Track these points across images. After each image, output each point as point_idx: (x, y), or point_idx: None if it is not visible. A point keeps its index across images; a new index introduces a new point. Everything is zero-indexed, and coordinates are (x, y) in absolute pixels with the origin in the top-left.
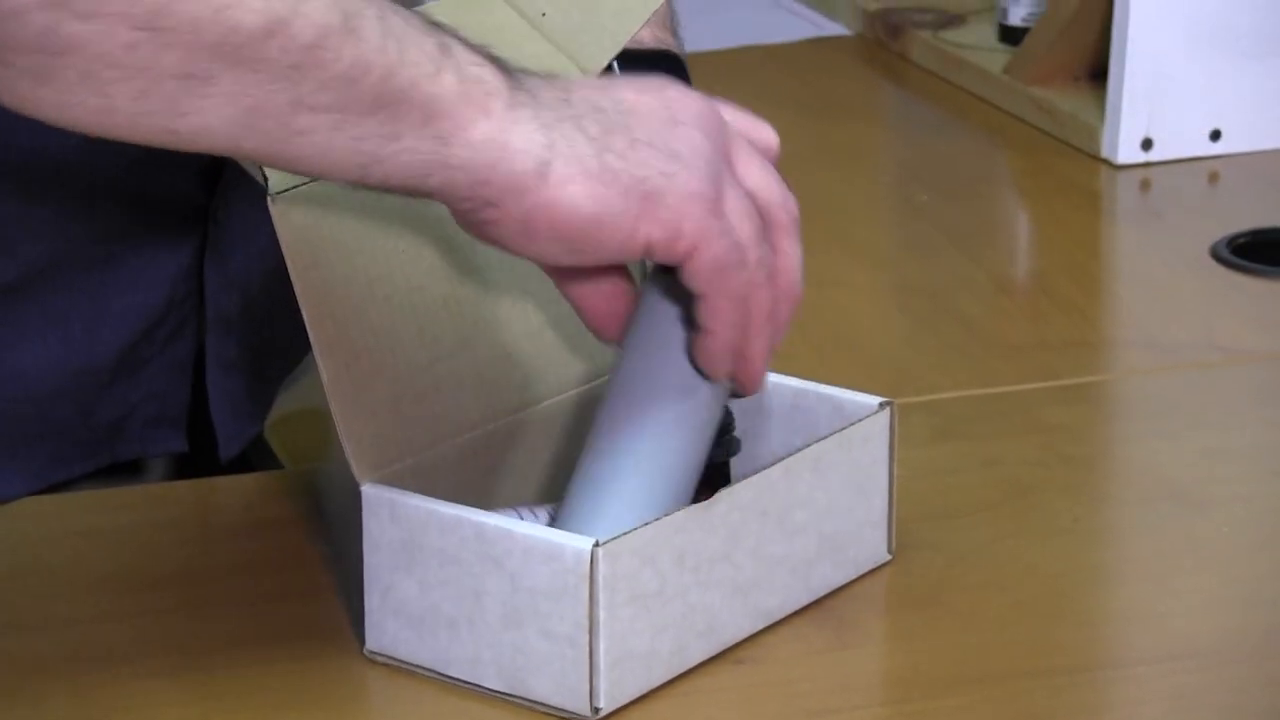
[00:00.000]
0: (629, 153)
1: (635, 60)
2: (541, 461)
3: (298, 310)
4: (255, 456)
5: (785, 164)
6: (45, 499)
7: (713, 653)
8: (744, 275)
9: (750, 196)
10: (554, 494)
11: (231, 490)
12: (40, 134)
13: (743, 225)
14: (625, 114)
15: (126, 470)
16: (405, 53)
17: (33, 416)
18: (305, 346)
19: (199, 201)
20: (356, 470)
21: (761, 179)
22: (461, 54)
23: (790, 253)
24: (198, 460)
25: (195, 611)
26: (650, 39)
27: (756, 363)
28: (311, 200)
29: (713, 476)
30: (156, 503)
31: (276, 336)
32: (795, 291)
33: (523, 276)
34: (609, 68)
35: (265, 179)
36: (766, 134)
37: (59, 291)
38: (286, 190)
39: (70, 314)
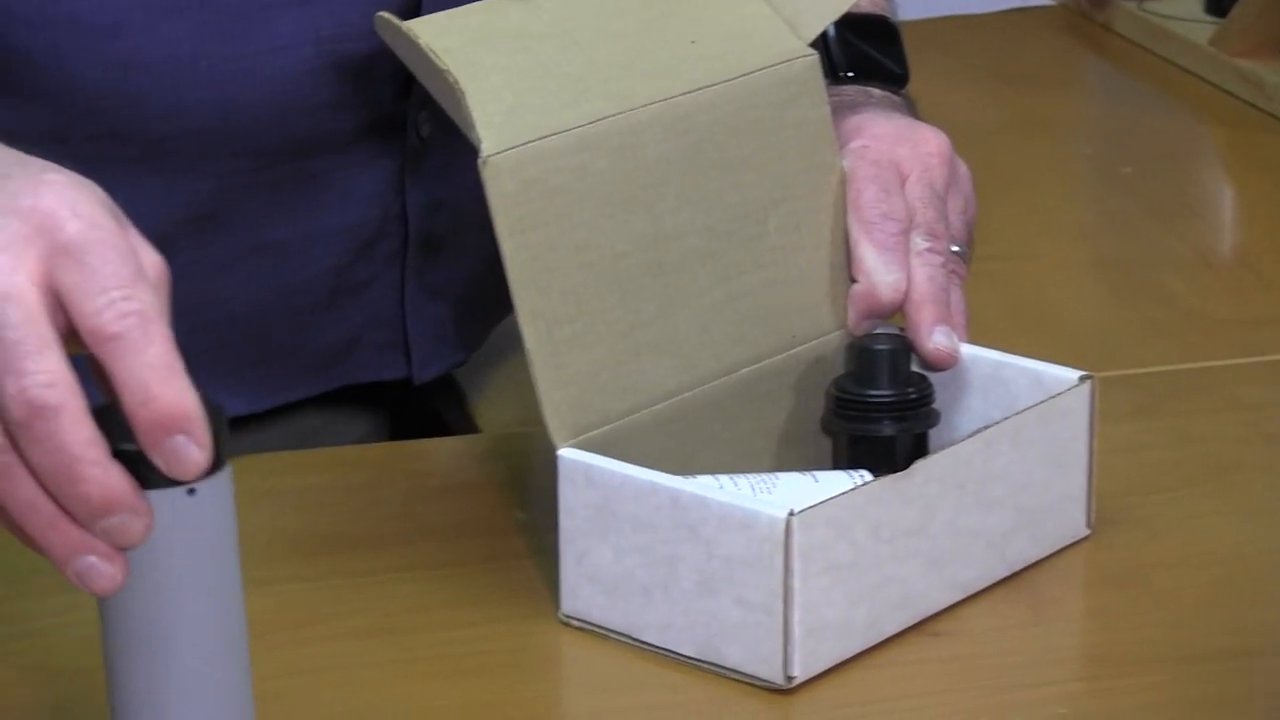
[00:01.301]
0: None
1: (852, 25)
2: (738, 430)
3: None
4: (450, 414)
5: (987, 136)
6: (240, 460)
7: (908, 624)
8: None
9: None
10: (751, 463)
11: (427, 454)
12: (233, 43)
13: None
14: None
15: (351, 397)
16: None
17: (249, 340)
18: (510, 305)
19: (398, 114)
20: (554, 435)
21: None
22: None
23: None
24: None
25: (390, 575)
26: (867, 3)
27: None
28: (522, 165)
29: (910, 448)
30: (353, 465)
31: (489, 274)
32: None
33: (721, 245)
34: (824, 34)
35: (478, 139)
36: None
37: (262, 212)
38: (499, 153)
39: (277, 236)
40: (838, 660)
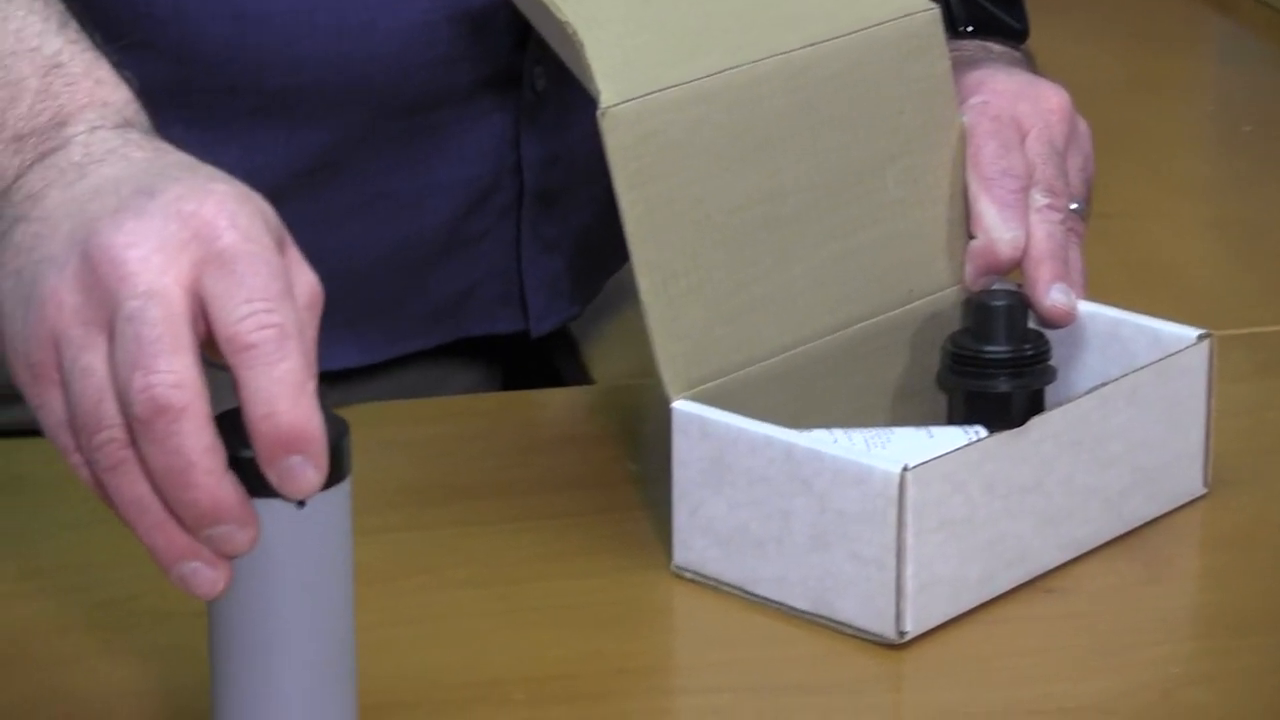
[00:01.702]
0: None
1: None
2: (852, 386)
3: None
4: (563, 365)
5: (1107, 92)
6: (353, 409)
7: (1021, 581)
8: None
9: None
10: (865, 419)
11: (541, 405)
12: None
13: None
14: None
15: (464, 349)
16: None
17: (363, 292)
18: (625, 256)
19: (514, 67)
20: (668, 387)
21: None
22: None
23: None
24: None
25: (504, 525)
26: None
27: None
28: (640, 117)
29: (1026, 404)
30: (466, 415)
31: (602, 227)
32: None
33: (838, 200)
34: None
35: (597, 91)
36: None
37: (378, 165)
38: (617, 105)
39: (392, 188)
40: (950, 616)
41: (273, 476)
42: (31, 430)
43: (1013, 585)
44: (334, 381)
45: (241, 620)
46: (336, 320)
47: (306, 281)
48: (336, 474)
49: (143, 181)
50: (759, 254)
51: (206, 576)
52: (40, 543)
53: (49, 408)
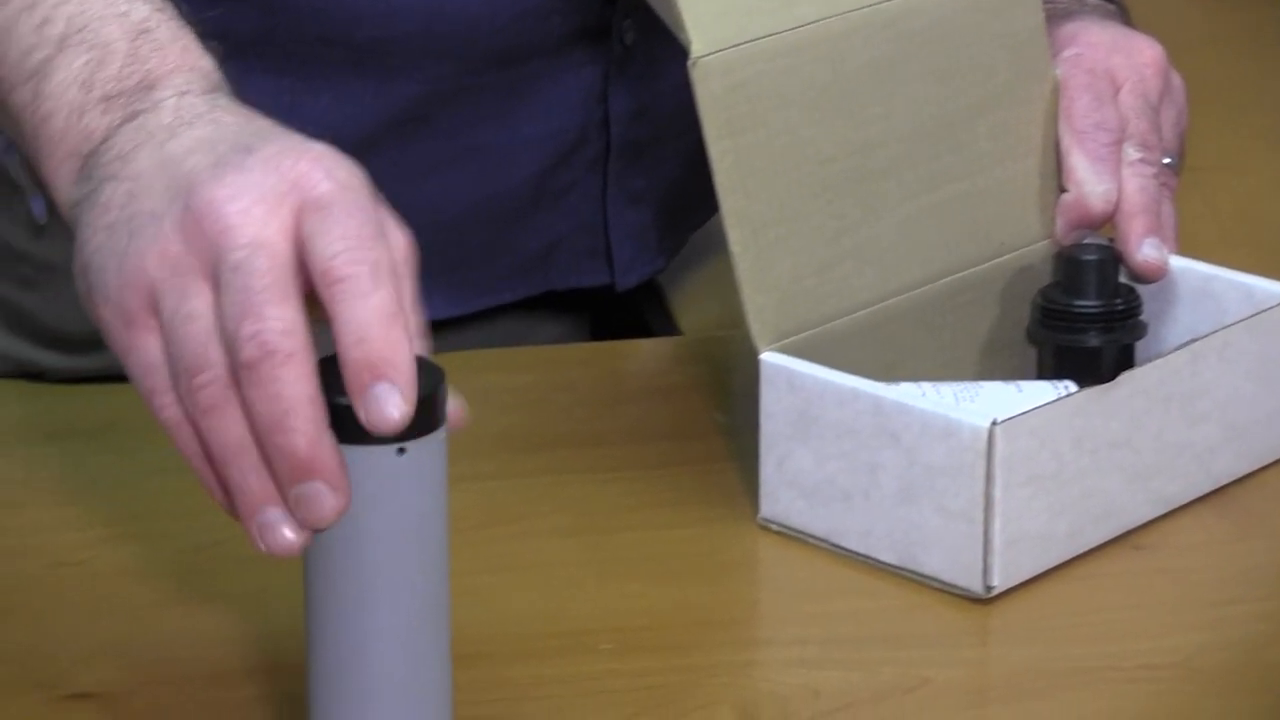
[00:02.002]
0: None
1: None
2: (941, 339)
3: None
4: (651, 316)
5: (1200, 46)
6: (444, 357)
7: (1110, 537)
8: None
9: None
10: (954, 372)
11: (629, 355)
12: None
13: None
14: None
15: (551, 301)
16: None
17: (450, 244)
18: (714, 207)
19: (604, 20)
20: (756, 339)
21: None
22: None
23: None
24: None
25: (593, 475)
26: None
27: None
28: (731, 67)
29: (1116, 359)
30: (556, 364)
31: (688, 180)
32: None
33: (929, 152)
34: None
35: (688, 40)
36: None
37: (467, 117)
38: (709, 55)
39: (481, 141)
40: (1038, 571)
41: (360, 409)
42: (118, 376)
43: (1101, 541)
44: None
45: (339, 567)
46: (424, 272)
47: (399, 240)
48: (433, 421)
49: (239, 140)
50: (849, 206)
51: (284, 534)
52: (132, 487)
53: (140, 351)
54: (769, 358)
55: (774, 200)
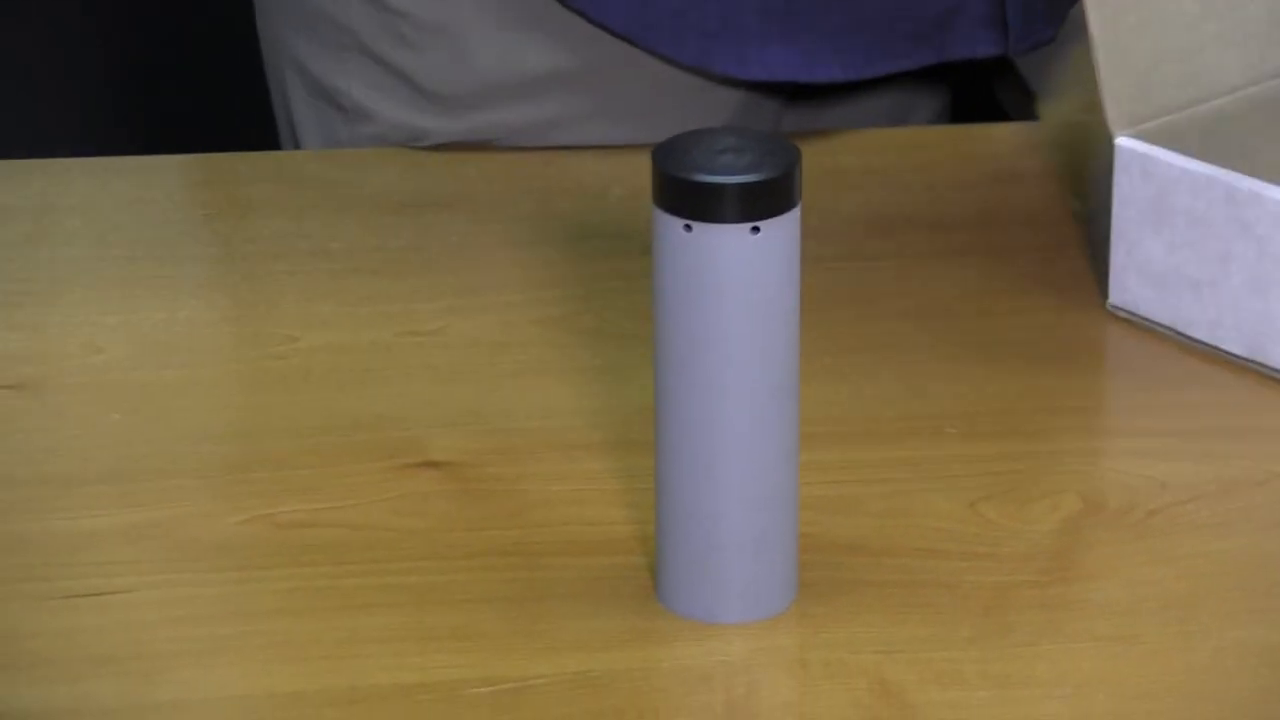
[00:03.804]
0: None
1: None
2: None
3: None
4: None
5: None
6: (806, 138)
7: None
8: None
9: None
10: None
11: (985, 138)
12: None
13: None
14: None
15: (937, 77)
16: None
17: (849, 6)
18: None
19: None
20: (1112, 123)
21: None
22: None
23: None
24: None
25: (944, 258)
26: None
27: None
28: None
29: None
30: (911, 147)
31: None
32: None
33: None
34: None
35: None
36: None
37: None
38: None
39: None
40: None
41: None
42: (494, 144)
43: None
44: (809, 98)
45: (692, 345)
46: (822, 31)
47: None
48: (787, 201)
49: None
50: None
51: None
52: (485, 258)
53: None
54: (1124, 143)
55: None
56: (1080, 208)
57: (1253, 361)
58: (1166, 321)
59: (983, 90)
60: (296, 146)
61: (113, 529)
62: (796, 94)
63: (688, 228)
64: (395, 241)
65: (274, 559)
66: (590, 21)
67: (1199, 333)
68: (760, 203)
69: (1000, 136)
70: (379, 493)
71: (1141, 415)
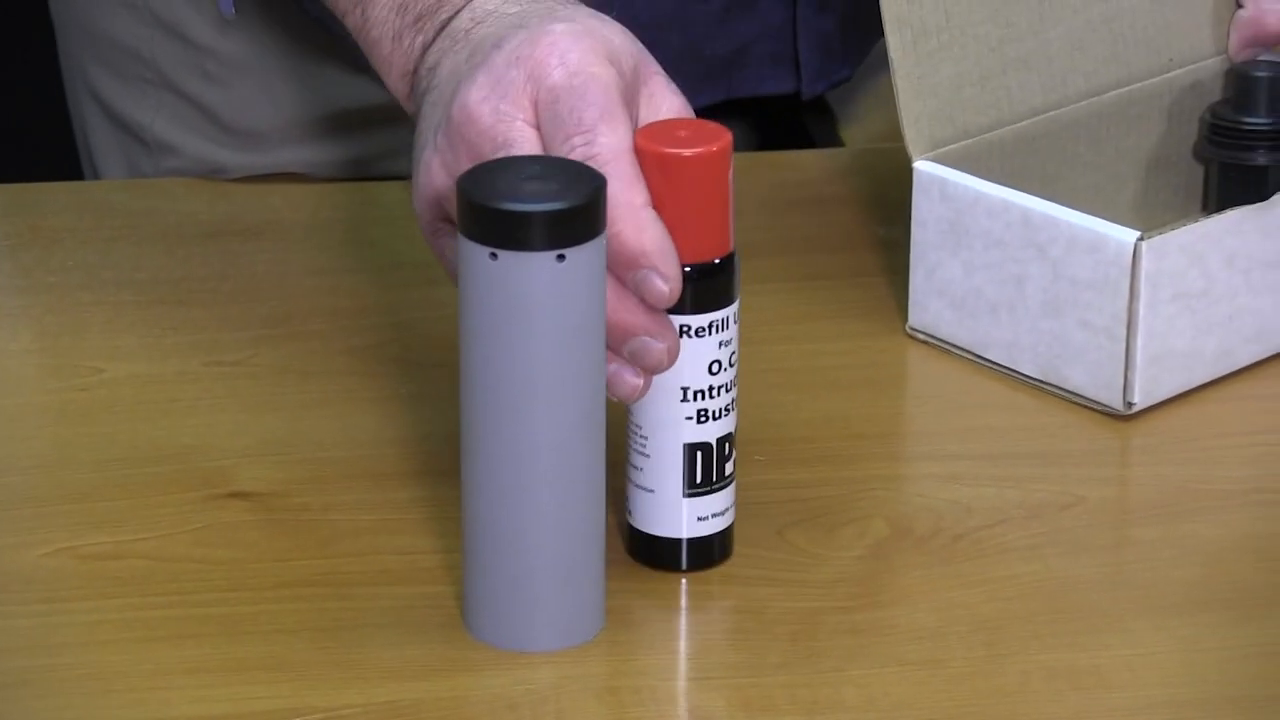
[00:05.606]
0: None
1: None
2: (1105, 153)
3: None
4: (818, 133)
5: None
6: None
7: (1261, 358)
8: None
9: None
10: (1116, 187)
11: (791, 165)
12: None
13: None
14: None
15: (732, 110)
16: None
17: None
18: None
19: None
20: (911, 146)
21: None
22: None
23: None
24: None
25: (748, 286)
26: None
27: None
28: None
29: (1268, 179)
30: None
31: None
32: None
33: None
34: None
35: None
36: None
37: None
38: None
39: None
40: (1181, 389)
41: (631, 287)
42: (293, 175)
43: (1251, 361)
44: None
45: (497, 372)
46: None
47: (670, 106)
48: (593, 228)
49: (499, 33)
50: (1016, 13)
51: (628, 380)
52: (290, 287)
53: (444, 260)
54: (922, 166)
55: (938, 6)
56: (886, 233)
57: (1046, 384)
58: (965, 344)
59: (792, 119)
60: (96, 176)
61: None
62: None
63: (493, 256)
64: (201, 271)
65: (79, 591)
66: None
67: (996, 355)
68: (566, 230)
69: (807, 163)
70: (186, 523)
71: (945, 440)
